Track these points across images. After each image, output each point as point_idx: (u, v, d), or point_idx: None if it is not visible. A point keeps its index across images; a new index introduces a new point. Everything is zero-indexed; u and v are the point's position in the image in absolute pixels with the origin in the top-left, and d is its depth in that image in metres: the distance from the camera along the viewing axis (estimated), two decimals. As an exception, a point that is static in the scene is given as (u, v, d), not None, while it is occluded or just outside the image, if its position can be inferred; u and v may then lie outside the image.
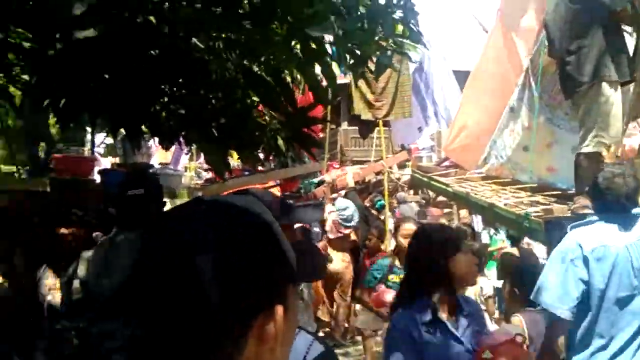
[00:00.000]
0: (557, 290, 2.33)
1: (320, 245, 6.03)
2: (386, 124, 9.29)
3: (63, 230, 2.34)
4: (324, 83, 2.54)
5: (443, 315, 1.97)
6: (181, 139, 2.78)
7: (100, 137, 8.35)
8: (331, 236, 5.82)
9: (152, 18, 2.30)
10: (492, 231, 7.54)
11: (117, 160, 10.53)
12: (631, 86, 3.62)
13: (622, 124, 3.47)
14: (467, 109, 6.42)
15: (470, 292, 4.29)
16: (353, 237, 5.98)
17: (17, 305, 2.81)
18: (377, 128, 8.52)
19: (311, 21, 1.65)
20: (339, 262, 5.81)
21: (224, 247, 0.56)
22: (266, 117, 2.95)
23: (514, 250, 5.07)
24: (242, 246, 0.58)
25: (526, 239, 5.32)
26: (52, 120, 5.24)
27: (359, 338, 5.57)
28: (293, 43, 1.99)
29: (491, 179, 5.10)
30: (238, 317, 0.56)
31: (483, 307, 4.25)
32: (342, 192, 6.92)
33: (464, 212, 7.46)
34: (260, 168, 9.01)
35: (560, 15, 3.58)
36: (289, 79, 3.00)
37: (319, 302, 5.94)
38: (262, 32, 2.07)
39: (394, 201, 8.46)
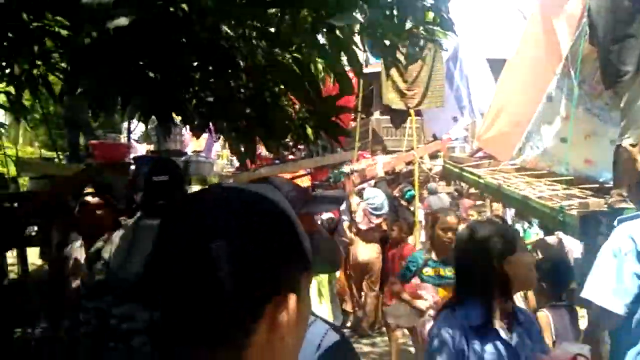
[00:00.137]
0: (611, 285, 2.22)
1: (349, 236, 6.04)
2: (419, 113, 9.16)
3: (95, 214, 2.43)
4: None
5: (496, 322, 1.77)
6: (211, 127, 2.82)
7: (136, 124, 8.54)
8: (362, 227, 5.80)
9: (184, 6, 2.33)
10: (526, 224, 7.37)
11: (151, 147, 10.79)
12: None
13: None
14: (502, 98, 6.25)
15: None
16: (384, 227, 5.94)
17: (53, 288, 2.93)
18: (409, 117, 8.41)
19: (335, 10, 1.63)
20: (369, 252, 5.80)
21: (239, 233, 0.57)
22: (296, 106, 2.96)
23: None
24: (257, 233, 0.58)
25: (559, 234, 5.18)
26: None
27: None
28: (320, 34, 1.98)
29: (526, 170, 4.97)
30: (250, 303, 0.57)
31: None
32: (372, 182, 6.89)
33: (497, 205, 7.32)
34: (291, 157, 9.09)
35: (604, 3, 3.45)
36: (320, 67, 3.00)
37: (344, 293, 5.96)
38: (291, 17, 2.06)
39: (424, 192, 8.37)
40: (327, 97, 2.48)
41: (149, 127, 9.78)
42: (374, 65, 8.53)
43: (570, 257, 4.78)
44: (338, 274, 4.60)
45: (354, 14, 1.75)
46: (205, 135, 5.39)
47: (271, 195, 0.64)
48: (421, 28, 2.25)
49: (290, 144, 3.21)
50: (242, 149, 2.71)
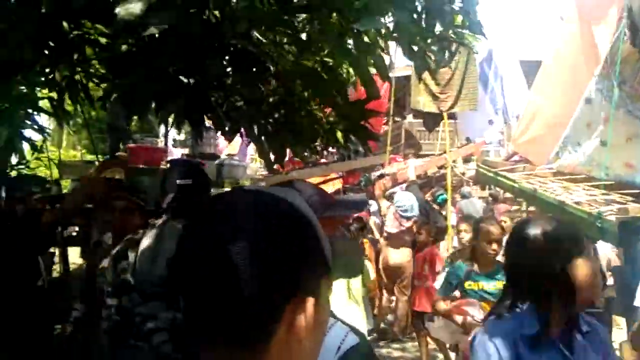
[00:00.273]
0: None
1: (377, 238, 6.00)
2: (453, 116, 9.04)
3: (121, 216, 2.51)
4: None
5: (554, 332, 1.57)
6: (242, 132, 2.87)
7: (170, 129, 8.74)
8: (392, 230, 5.76)
9: (216, 13, 2.38)
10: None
11: (186, 151, 11.02)
12: None
13: None
14: (538, 100, 6.10)
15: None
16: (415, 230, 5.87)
17: (91, 286, 3.04)
18: (442, 121, 8.30)
19: (361, 15, 1.63)
20: (400, 256, 5.75)
21: (259, 236, 0.58)
22: (326, 110, 2.97)
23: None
24: (277, 236, 0.59)
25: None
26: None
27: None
28: (348, 39, 1.99)
29: (563, 175, 4.83)
30: (269, 305, 0.58)
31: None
32: (404, 186, 6.83)
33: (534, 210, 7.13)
34: (323, 160, 9.11)
35: (647, 4, 3.32)
36: (351, 71, 3.01)
37: (376, 297, 5.92)
38: (320, 23, 2.08)
39: (457, 196, 8.23)
40: (355, 102, 2.48)
41: (185, 131, 10.01)
42: (407, 68, 8.48)
43: (609, 265, 4.61)
44: (373, 277, 4.55)
45: (379, 18, 1.75)
46: (239, 139, 5.49)
47: (292, 199, 0.65)
48: (450, 32, 2.23)
49: (320, 148, 3.22)
50: (272, 153, 2.75)
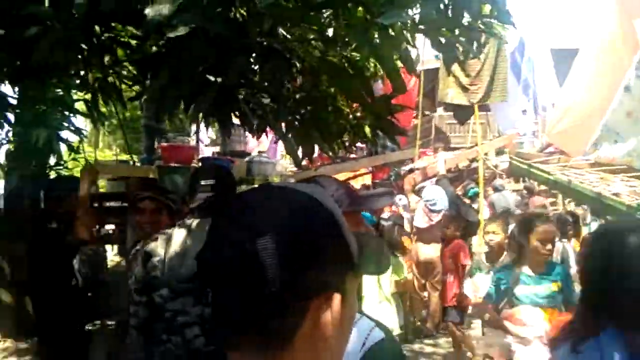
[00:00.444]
0: None
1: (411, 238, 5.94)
2: (485, 108, 8.86)
3: (148, 214, 2.55)
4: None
5: None
6: (268, 129, 2.89)
7: (198, 128, 8.87)
8: (422, 225, 5.69)
9: (242, 11, 2.40)
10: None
11: (217, 149, 11.17)
12: None
13: None
14: (573, 90, 5.92)
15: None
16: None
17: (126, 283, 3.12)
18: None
19: (385, 9, 1.61)
20: (431, 252, 5.68)
21: (285, 231, 0.58)
22: (354, 106, 2.96)
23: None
24: (303, 231, 0.59)
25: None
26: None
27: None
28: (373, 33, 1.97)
29: (601, 165, 4.68)
30: (295, 300, 0.58)
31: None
32: (434, 180, 6.74)
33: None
34: (352, 156, 9.08)
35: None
36: (378, 66, 2.98)
37: (409, 293, 5.85)
38: (345, 17, 2.07)
39: (489, 189, 8.06)
40: (381, 96, 2.46)
41: (216, 130, 10.15)
42: (436, 60, 8.35)
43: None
44: (406, 273, 4.51)
45: (403, 11, 1.73)
46: (270, 136, 5.52)
47: (317, 194, 0.65)
48: (478, 22, 2.18)
49: (347, 143, 3.21)
50: (300, 149, 2.76)
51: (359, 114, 2.91)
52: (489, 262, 4.05)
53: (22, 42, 2.09)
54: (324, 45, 2.56)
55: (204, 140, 11.64)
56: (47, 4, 2.22)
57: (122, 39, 2.85)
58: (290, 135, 2.60)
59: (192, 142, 9.35)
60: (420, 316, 6.11)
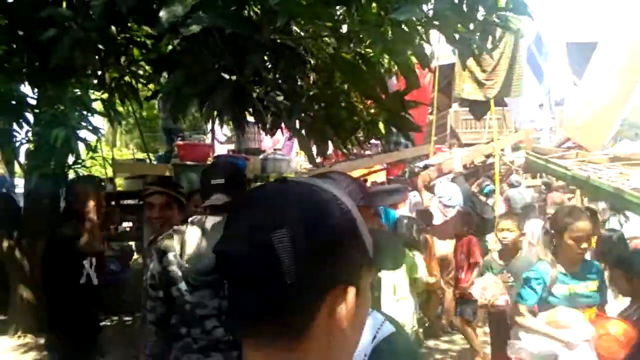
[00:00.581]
0: None
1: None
2: (500, 103, 8.75)
3: (158, 211, 2.57)
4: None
5: None
6: (283, 127, 2.90)
7: (213, 126, 8.92)
8: (437, 222, 5.66)
9: (256, 9, 2.42)
10: (623, 218, 6.78)
11: (232, 147, 11.23)
12: None
13: None
14: (592, 84, 5.83)
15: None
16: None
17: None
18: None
19: (398, 5, 1.60)
20: (446, 248, 5.65)
21: (301, 224, 0.59)
22: (367, 102, 2.95)
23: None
24: (318, 224, 0.60)
25: None
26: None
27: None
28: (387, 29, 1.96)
29: (620, 160, 4.60)
30: (310, 292, 0.59)
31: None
32: (449, 176, 6.69)
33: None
34: (367, 152, 9.06)
35: None
36: (392, 62, 2.97)
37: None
38: (359, 14, 2.07)
39: (505, 186, 7.97)
40: (395, 93, 2.45)
41: (231, 128, 10.18)
42: (451, 56, 8.28)
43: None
44: (422, 272, 4.46)
45: (417, 7, 1.72)
46: (286, 134, 5.54)
47: (332, 188, 0.65)
48: (494, 16, 2.15)
49: (361, 140, 3.20)
50: (314, 146, 2.76)
51: (372, 111, 2.90)
52: (502, 260, 3.97)
53: (41, 43, 2.13)
54: (338, 42, 2.56)
55: (220, 138, 11.70)
56: (65, 6, 2.26)
57: (138, 39, 2.89)
58: (304, 132, 2.61)
59: (208, 140, 9.42)
60: (435, 313, 6.08)
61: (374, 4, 2.10)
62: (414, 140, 4.99)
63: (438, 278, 5.08)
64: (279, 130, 3.05)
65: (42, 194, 5.49)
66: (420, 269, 4.32)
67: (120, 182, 8.44)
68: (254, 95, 2.48)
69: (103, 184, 5.59)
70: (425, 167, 7.47)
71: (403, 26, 1.83)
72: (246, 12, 2.39)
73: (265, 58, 2.40)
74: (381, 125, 2.89)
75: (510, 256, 3.83)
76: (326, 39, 2.54)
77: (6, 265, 5.91)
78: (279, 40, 2.34)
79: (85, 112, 4.88)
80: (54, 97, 4.53)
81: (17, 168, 5.86)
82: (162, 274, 1.89)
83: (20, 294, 5.77)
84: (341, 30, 2.32)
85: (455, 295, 5.22)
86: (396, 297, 4.18)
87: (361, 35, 2.32)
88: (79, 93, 4.72)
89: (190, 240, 1.89)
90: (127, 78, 3.29)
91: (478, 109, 8.29)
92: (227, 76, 2.28)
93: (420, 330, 4.90)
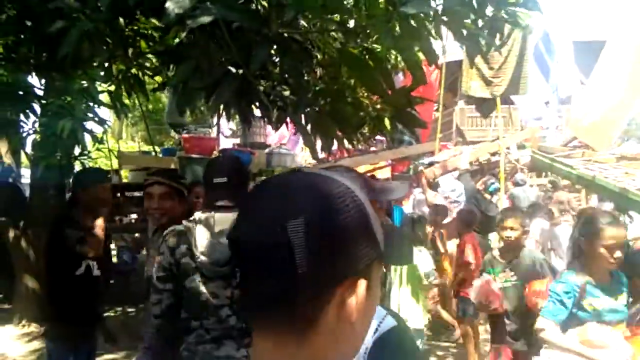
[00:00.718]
0: None
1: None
2: (507, 100, 8.72)
3: (158, 205, 2.55)
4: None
5: None
6: (288, 121, 2.89)
7: (219, 119, 8.93)
8: (444, 221, 5.64)
9: (264, 2, 2.41)
10: (628, 219, 6.75)
11: (237, 140, 11.26)
12: None
13: None
14: (600, 83, 5.79)
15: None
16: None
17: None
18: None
19: (405, -1, 1.60)
20: (451, 245, 5.65)
21: (313, 215, 0.59)
22: (373, 98, 2.95)
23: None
24: (334, 217, 0.60)
25: None
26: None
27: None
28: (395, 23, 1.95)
29: (627, 159, 4.58)
30: (321, 284, 0.59)
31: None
32: (455, 174, 6.67)
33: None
34: (372, 149, 9.04)
35: None
36: (399, 57, 2.96)
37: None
38: (367, 8, 2.06)
39: (510, 184, 7.95)
40: (401, 89, 2.44)
41: (236, 121, 10.21)
42: (459, 52, 8.24)
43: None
44: (431, 268, 4.45)
45: (426, 2, 1.71)
46: (291, 128, 5.55)
47: (347, 181, 0.65)
48: (502, 11, 2.14)
49: (367, 135, 3.19)
50: (319, 141, 2.76)
51: (378, 106, 2.89)
52: (503, 258, 3.91)
53: (48, 35, 2.14)
54: (345, 37, 2.55)
55: (225, 131, 11.72)
56: (73, -3, 2.26)
57: (145, 31, 2.89)
58: (309, 127, 2.61)
59: (213, 134, 9.44)
60: (439, 310, 6.08)
61: (381, 1, 2.09)
62: (419, 137, 4.97)
63: (449, 277, 5.08)
64: (285, 126, 3.05)
65: (48, 184, 5.52)
66: (427, 265, 4.31)
67: (125, 174, 8.48)
68: (261, 89, 2.48)
69: (109, 175, 5.62)
70: (431, 164, 7.45)
71: (411, 21, 1.82)
72: (254, 5, 2.39)
73: (272, 52, 2.39)
74: (387, 121, 2.88)
75: (512, 254, 3.77)
76: (333, 33, 2.53)
77: (12, 255, 5.96)
78: (286, 34, 2.34)
79: (91, 104, 4.90)
80: (61, 88, 4.55)
81: (23, 158, 5.89)
82: (175, 266, 1.90)
83: (25, 284, 5.82)
84: (349, 25, 2.32)
85: (456, 293, 5.21)
86: (405, 294, 4.19)
87: (368, 30, 2.31)
88: (85, 85, 4.74)
89: (201, 233, 1.90)
90: (134, 70, 3.29)
91: (485, 106, 8.26)
92: (233, 69, 2.28)
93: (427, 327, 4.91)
